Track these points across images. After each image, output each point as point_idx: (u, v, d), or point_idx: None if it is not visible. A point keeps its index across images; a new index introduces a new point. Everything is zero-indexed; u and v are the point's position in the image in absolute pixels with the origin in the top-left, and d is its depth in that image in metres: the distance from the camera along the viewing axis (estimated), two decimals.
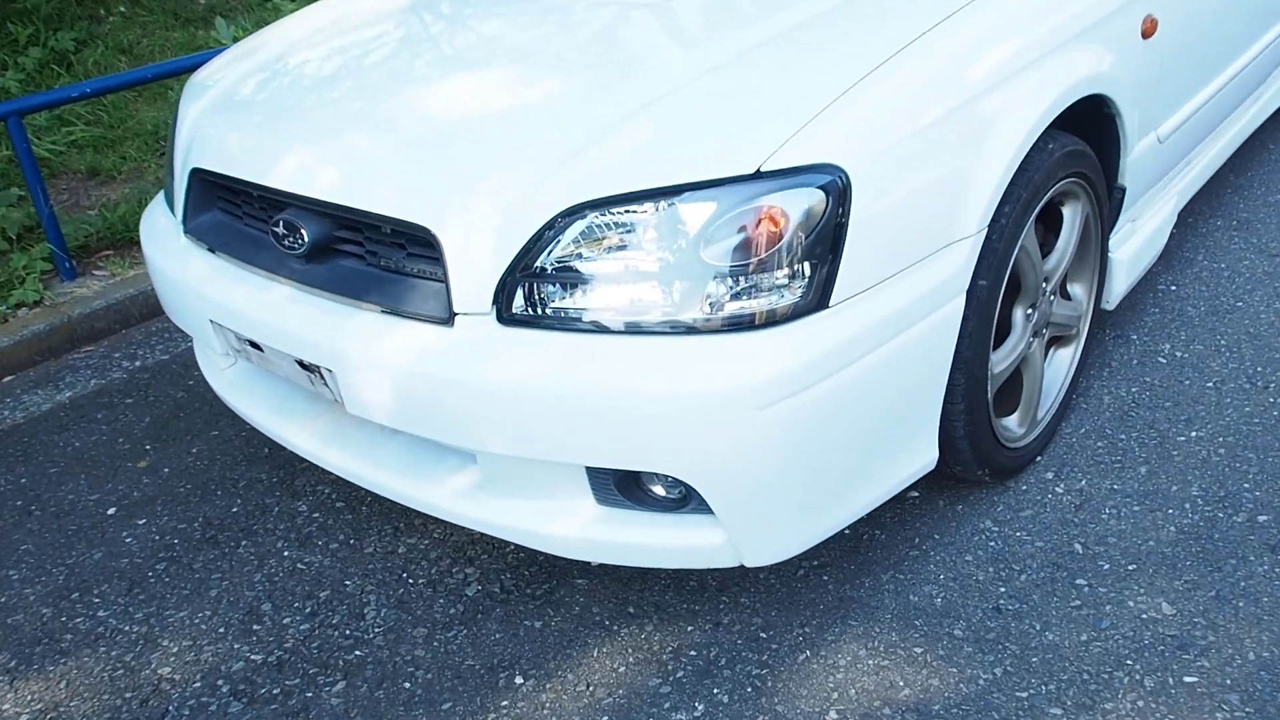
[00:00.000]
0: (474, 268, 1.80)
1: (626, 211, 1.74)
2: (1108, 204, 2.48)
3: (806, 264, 1.71)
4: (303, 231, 1.97)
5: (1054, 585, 2.14)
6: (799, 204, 1.69)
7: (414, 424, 1.90)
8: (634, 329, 1.74)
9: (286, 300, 2.04)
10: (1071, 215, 2.37)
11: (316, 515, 2.56)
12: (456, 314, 1.83)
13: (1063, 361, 2.58)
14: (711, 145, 1.75)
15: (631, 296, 1.75)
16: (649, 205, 1.73)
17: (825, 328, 1.74)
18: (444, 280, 1.84)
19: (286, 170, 2.04)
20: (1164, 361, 2.83)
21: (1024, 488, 2.43)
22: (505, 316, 1.81)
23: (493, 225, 1.79)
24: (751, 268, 1.70)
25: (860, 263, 1.76)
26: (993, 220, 1.98)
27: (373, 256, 1.97)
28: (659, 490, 1.91)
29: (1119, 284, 2.65)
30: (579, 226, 1.75)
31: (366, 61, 2.36)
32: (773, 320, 1.72)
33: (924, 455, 2.07)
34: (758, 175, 1.69)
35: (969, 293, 1.98)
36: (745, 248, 1.69)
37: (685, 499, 1.87)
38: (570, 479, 1.87)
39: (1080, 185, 2.30)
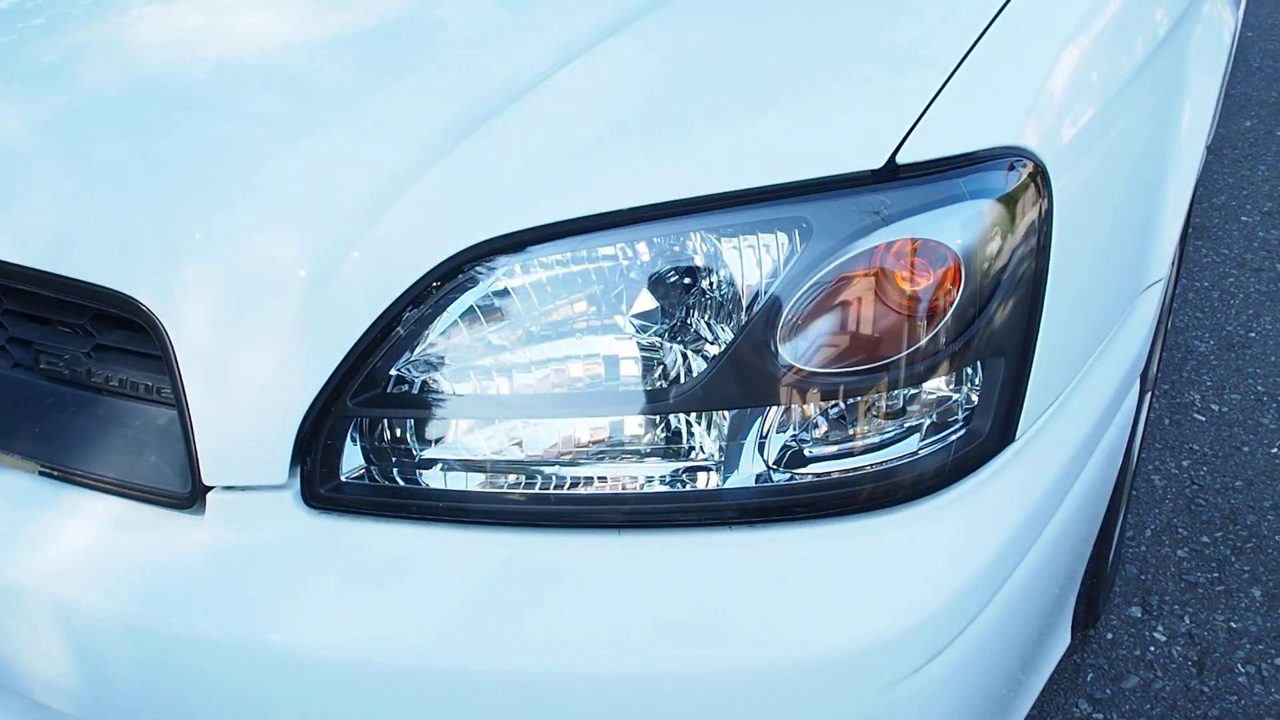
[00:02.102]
0: (244, 385, 0.79)
1: (581, 258, 0.78)
2: None
3: (982, 353, 0.81)
4: None
5: None
6: (966, 232, 0.79)
7: None
8: (608, 516, 0.79)
9: None
10: None
11: None
12: (208, 489, 0.82)
13: None
14: (765, 116, 0.82)
15: (597, 439, 0.80)
16: (631, 244, 0.78)
17: (1017, 485, 0.85)
18: (178, 409, 0.81)
19: None
20: (1202, 419, 2.15)
21: (1109, 636, 1.64)
22: (321, 492, 0.81)
23: (287, 295, 0.78)
24: (877, 375, 0.78)
25: (1055, 341, 0.88)
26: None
27: (49, 359, 0.92)
28: None
29: None
30: (476, 293, 0.78)
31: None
32: (919, 486, 0.81)
33: (1061, 638, 1.23)
34: (891, 173, 0.78)
35: (1143, 377, 1.15)
36: (866, 330, 0.77)
37: None
38: None
39: None
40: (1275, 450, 2.05)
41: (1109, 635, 1.65)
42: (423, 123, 0.81)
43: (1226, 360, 2.34)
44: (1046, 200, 0.83)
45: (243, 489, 0.81)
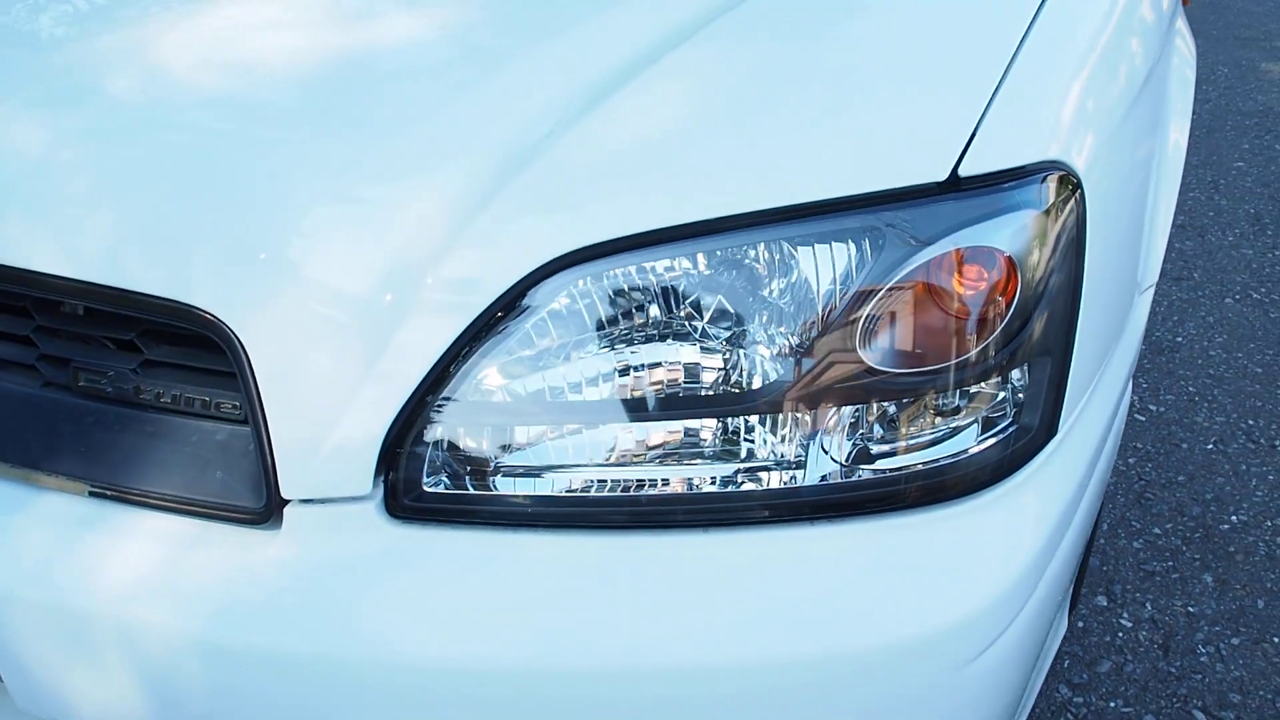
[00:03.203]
0: (326, 399, 0.79)
1: (661, 268, 0.81)
2: None
3: (1032, 352, 0.86)
4: None
5: None
6: (1019, 240, 0.84)
7: None
8: (694, 516, 0.82)
9: None
10: None
11: None
12: (283, 503, 0.81)
13: None
14: (828, 129, 0.86)
15: (677, 442, 0.82)
16: (711, 252, 0.81)
17: (1057, 477, 0.90)
18: (254, 427, 0.81)
19: None
20: (1142, 419, 2.27)
21: (1080, 624, 1.72)
22: (405, 503, 0.81)
23: (371, 310, 0.78)
24: (947, 375, 0.82)
25: (1086, 341, 0.94)
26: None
27: (90, 377, 0.89)
28: None
29: None
30: (557, 304, 0.80)
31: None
32: (979, 479, 0.85)
33: (1063, 623, 1.30)
34: (954, 185, 0.82)
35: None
36: (934, 332, 0.82)
37: None
38: None
39: None
40: (1210, 446, 2.18)
41: (1080, 623, 1.73)
42: (500, 135, 0.83)
43: (1158, 363, 2.48)
44: (1081, 208, 0.89)
45: (322, 502, 0.81)
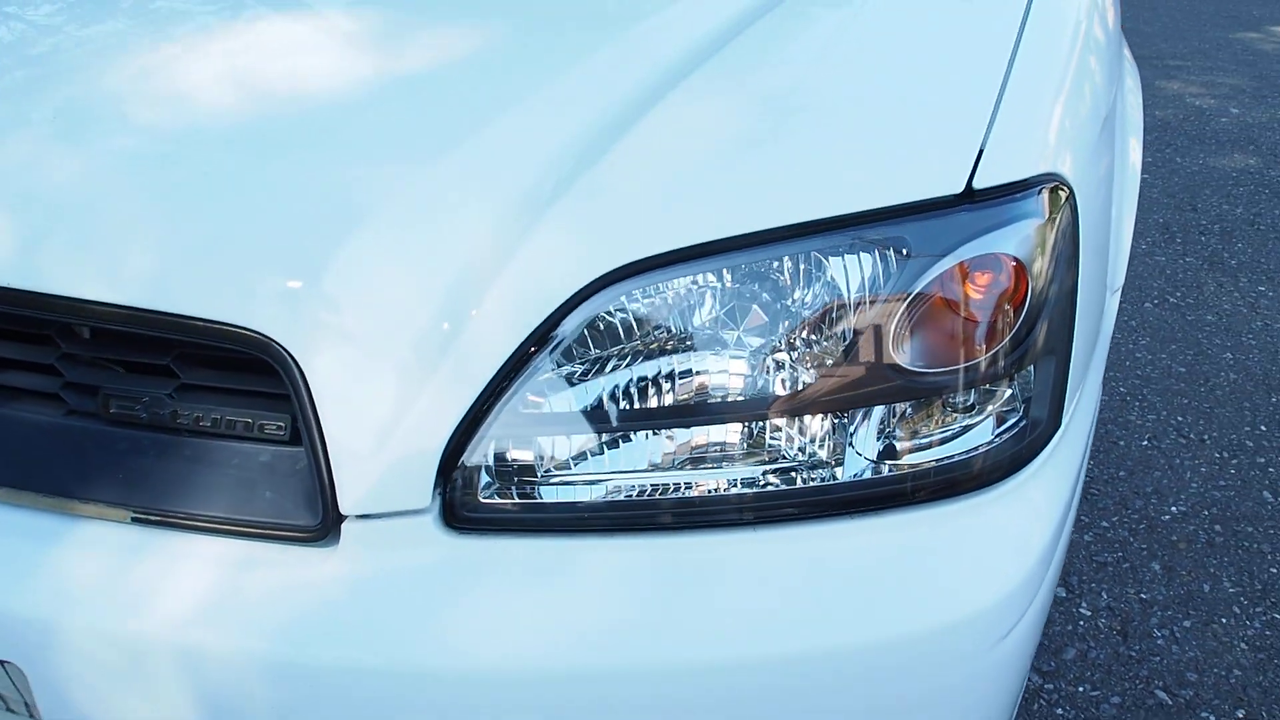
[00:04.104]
0: (385, 417, 0.81)
1: (702, 280, 0.85)
2: None
3: (1041, 350, 0.92)
4: None
5: None
6: (1026, 246, 0.90)
7: None
8: (742, 515, 0.86)
9: None
10: None
11: None
12: (343, 518, 0.83)
13: None
14: (849, 150, 0.91)
15: (722, 445, 0.86)
16: (750, 265, 0.85)
17: (1061, 466, 0.97)
18: (309, 445, 0.82)
19: None
20: None
21: None
22: (463, 514, 0.83)
23: (428, 330, 0.81)
24: (970, 373, 0.88)
25: (1079, 338, 1.01)
26: None
27: (122, 403, 0.89)
28: None
29: None
30: (605, 318, 0.84)
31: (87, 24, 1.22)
32: (997, 471, 0.91)
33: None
34: (969, 197, 0.88)
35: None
36: (957, 332, 0.87)
37: None
38: None
39: None
40: (1145, 443, 2.30)
41: None
42: (541, 155, 0.86)
43: None
44: (1075, 215, 0.96)
45: (379, 516, 0.83)
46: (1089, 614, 1.82)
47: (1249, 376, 2.55)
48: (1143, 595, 1.86)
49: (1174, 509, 2.08)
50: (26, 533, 0.87)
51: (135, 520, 0.87)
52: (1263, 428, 2.35)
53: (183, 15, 1.11)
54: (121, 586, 0.83)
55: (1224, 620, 1.80)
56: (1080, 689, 1.66)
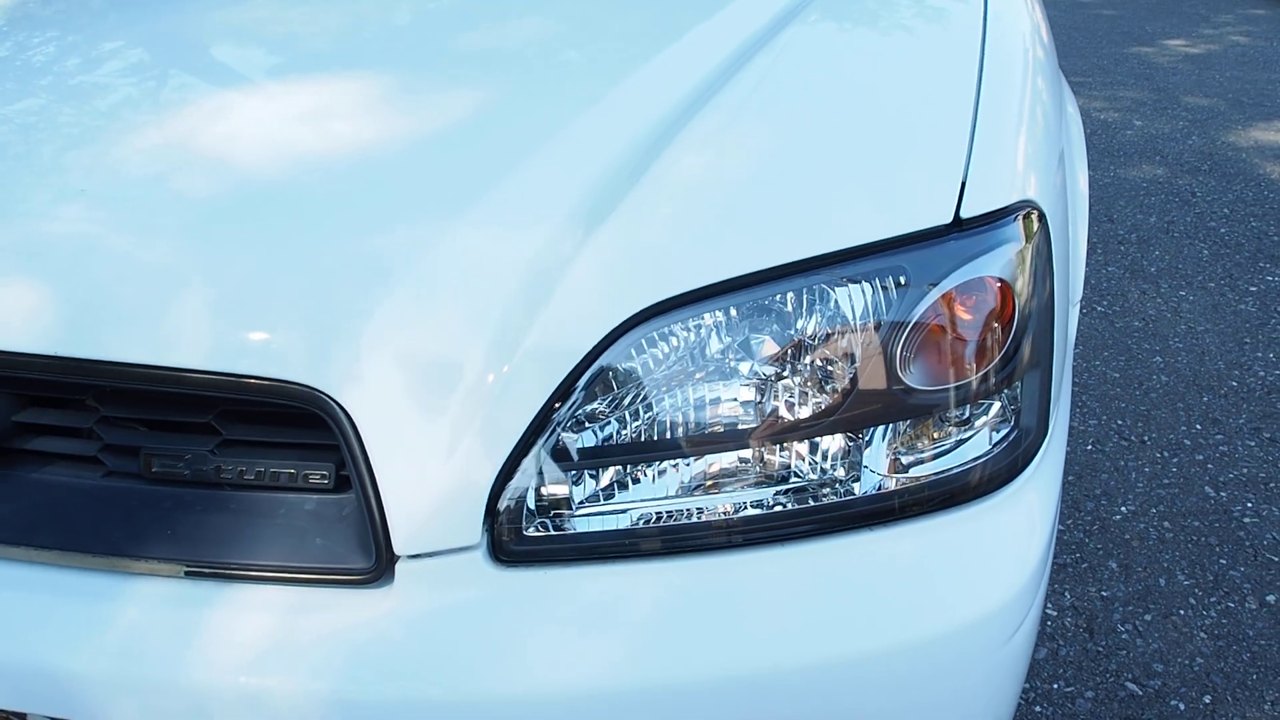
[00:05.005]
0: (435, 462, 0.85)
1: (722, 315, 0.91)
2: None
3: (1029, 363, 1.01)
4: None
5: None
6: (1010, 268, 0.99)
7: None
8: (772, 533, 0.92)
9: None
10: None
11: None
12: (396, 559, 0.86)
13: None
14: (843, 184, 0.99)
15: (746, 469, 0.92)
16: (768, 298, 0.92)
17: (1049, 472, 1.05)
18: (361, 491, 0.86)
19: None
20: None
21: None
22: (510, 548, 0.88)
23: (473, 378, 0.85)
24: (968, 389, 0.95)
25: (1056, 348, 1.09)
26: None
27: (165, 462, 0.91)
28: None
29: None
30: (637, 354, 0.90)
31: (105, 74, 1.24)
32: (995, 479, 0.98)
33: None
34: (958, 225, 0.96)
35: None
36: (956, 352, 0.95)
37: None
38: None
39: None
40: (1090, 447, 2.42)
41: None
42: (565, 202, 0.92)
43: None
44: (1048, 236, 1.04)
45: (431, 555, 0.87)
46: (1055, 614, 1.91)
47: (1179, 378, 2.70)
48: (1104, 593, 1.96)
49: (1124, 509, 2.20)
50: (80, 593, 0.89)
51: (189, 574, 0.90)
52: (1198, 426, 2.49)
53: (211, 85, 1.15)
54: (182, 638, 0.86)
55: (1182, 612, 1.91)
56: (1055, 686, 1.75)
